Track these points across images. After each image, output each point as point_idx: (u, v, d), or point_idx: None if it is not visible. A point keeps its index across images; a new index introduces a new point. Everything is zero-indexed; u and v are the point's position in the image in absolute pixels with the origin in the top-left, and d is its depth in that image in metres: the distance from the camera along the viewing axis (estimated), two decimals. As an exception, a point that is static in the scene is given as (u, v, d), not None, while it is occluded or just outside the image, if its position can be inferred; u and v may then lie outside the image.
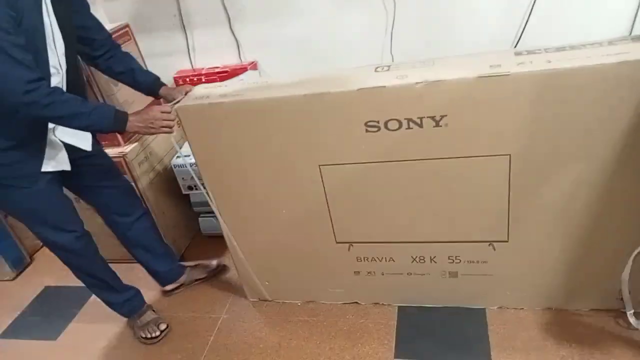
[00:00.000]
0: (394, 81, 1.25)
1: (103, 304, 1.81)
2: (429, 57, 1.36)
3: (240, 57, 2.08)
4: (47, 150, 1.44)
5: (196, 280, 2.00)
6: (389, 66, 1.37)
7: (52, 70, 1.33)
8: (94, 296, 1.91)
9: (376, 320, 1.68)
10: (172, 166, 2.00)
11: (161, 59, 2.06)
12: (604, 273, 1.44)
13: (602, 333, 1.47)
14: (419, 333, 1.60)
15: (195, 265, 2.02)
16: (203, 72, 2.07)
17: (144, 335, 1.78)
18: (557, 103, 1.19)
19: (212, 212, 1.63)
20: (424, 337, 1.58)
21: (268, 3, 1.92)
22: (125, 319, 1.86)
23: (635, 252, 1.32)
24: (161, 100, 1.60)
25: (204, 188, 1.58)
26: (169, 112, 1.42)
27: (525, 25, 1.76)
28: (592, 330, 1.48)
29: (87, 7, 1.48)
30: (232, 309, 1.85)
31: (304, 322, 1.74)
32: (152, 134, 1.52)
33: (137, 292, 1.83)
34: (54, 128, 1.44)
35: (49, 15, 1.28)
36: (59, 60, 1.34)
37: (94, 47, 1.51)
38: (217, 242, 2.06)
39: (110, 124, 1.36)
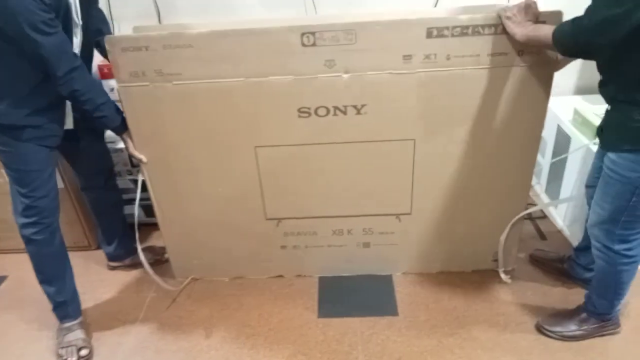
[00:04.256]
0: (324, 71, 1.47)
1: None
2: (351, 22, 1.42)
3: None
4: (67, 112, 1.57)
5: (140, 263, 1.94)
6: (313, 34, 1.40)
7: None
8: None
9: (300, 289, 1.89)
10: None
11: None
12: (483, 240, 1.80)
13: (481, 287, 1.83)
14: (338, 297, 1.84)
15: (145, 249, 2.00)
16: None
17: (61, 354, 1.66)
18: (450, 95, 1.50)
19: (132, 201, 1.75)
20: (342, 299, 1.82)
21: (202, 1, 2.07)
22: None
23: (513, 220, 1.69)
24: None
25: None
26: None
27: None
28: (474, 285, 1.84)
29: None
30: (159, 288, 1.91)
31: (233, 295, 1.88)
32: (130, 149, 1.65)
33: (76, 298, 1.73)
34: None
35: None
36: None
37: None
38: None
39: (117, 120, 1.56)
